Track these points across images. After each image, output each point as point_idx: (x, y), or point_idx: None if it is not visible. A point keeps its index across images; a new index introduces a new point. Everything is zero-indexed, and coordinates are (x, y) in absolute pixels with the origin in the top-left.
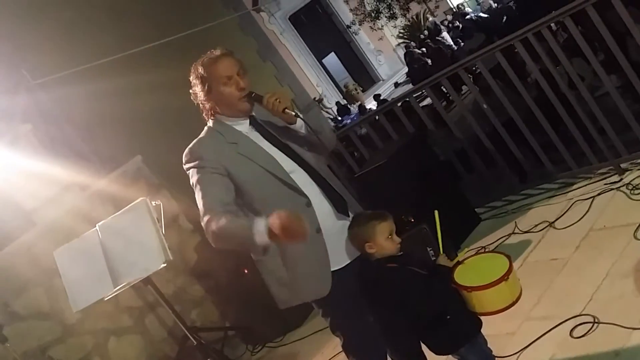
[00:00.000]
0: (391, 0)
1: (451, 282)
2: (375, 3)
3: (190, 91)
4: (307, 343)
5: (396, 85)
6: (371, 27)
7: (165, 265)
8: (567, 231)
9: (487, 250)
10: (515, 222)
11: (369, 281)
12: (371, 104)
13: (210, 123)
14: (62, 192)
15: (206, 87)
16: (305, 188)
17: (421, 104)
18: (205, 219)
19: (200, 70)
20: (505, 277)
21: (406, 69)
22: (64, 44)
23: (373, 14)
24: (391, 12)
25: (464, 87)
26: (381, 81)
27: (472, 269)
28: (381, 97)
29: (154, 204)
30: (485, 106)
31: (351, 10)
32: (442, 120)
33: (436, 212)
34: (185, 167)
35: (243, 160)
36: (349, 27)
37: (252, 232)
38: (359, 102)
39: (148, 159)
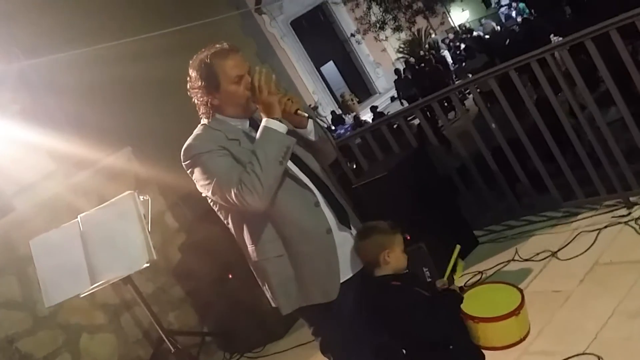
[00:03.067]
0: (397, 12)
1: (460, 311)
2: (381, 14)
3: (188, 86)
4: (288, 356)
5: (392, 99)
6: (375, 38)
7: (148, 265)
8: (570, 263)
9: (486, 276)
10: (516, 249)
11: (371, 297)
12: (366, 116)
13: (205, 121)
14: (46, 178)
15: (214, 84)
16: None
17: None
18: (239, 184)
19: (208, 64)
20: (516, 312)
21: None
22: (59, 25)
23: (378, 25)
24: (397, 24)
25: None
26: (378, 94)
27: (479, 299)
28: (378, 110)
29: (141, 199)
30: (494, 126)
31: (356, 19)
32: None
33: (458, 247)
34: (186, 163)
35: (247, 152)
36: (352, 35)
37: (274, 131)
38: (354, 113)
39: (138, 151)
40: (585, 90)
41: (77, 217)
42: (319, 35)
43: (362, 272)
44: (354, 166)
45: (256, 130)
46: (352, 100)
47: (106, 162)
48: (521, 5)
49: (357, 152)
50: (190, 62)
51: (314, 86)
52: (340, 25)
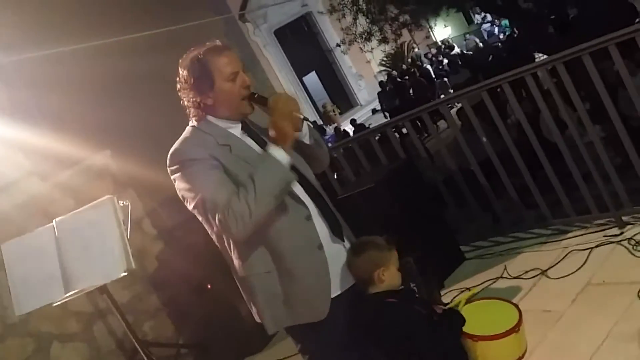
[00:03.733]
0: (383, 24)
1: (461, 331)
2: (367, 25)
3: (178, 86)
4: None
5: (374, 111)
6: (361, 49)
7: (126, 274)
8: (561, 282)
9: (473, 293)
10: (505, 266)
11: (365, 315)
12: (347, 127)
13: (194, 123)
14: (21, 179)
15: (207, 82)
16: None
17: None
18: (226, 210)
19: (201, 61)
20: (516, 329)
21: None
22: (39, 22)
23: (364, 36)
24: (383, 35)
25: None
26: (359, 106)
27: (472, 317)
28: (357, 122)
29: (121, 204)
30: (484, 139)
31: (342, 29)
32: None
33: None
34: (172, 168)
35: (238, 161)
36: (338, 45)
37: (278, 163)
38: (335, 124)
39: (118, 153)
40: (580, 105)
41: (52, 222)
42: (302, 46)
43: (354, 288)
44: (335, 176)
45: (249, 136)
46: (333, 111)
47: (85, 164)
48: (504, 22)
49: (343, 162)
50: (180, 60)
51: (295, 96)
52: (323, 36)
